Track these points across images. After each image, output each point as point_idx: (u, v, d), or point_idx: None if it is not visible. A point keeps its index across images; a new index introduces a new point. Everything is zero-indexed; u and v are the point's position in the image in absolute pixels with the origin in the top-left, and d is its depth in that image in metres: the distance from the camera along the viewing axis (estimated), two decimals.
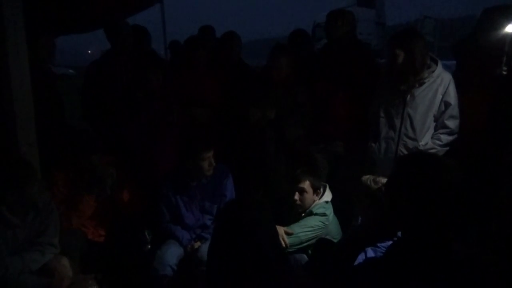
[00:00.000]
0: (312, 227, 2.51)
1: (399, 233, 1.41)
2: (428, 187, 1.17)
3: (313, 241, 2.50)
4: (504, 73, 2.62)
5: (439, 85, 2.60)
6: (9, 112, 2.32)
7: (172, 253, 2.53)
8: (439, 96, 2.60)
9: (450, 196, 1.17)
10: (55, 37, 3.71)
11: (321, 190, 2.64)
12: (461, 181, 1.19)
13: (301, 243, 2.49)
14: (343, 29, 2.98)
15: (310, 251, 2.54)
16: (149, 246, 2.65)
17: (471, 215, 2.58)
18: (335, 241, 2.49)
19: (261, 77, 3.10)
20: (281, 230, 2.44)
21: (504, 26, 2.62)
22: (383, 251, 1.69)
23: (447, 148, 2.65)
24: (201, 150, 2.56)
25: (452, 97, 2.60)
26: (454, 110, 2.61)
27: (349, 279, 1.34)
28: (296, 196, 2.56)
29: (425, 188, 1.17)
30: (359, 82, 2.93)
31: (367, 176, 2.13)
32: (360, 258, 1.87)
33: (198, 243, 2.61)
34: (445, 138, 2.63)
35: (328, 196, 2.64)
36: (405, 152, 2.65)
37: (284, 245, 2.42)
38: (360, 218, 2.32)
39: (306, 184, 2.55)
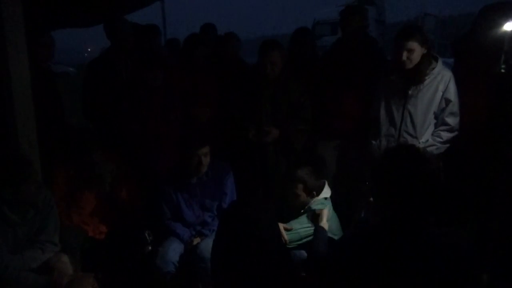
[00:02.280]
0: (311, 223, 2.53)
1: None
2: (405, 178, 1.27)
3: (313, 237, 2.51)
4: (503, 71, 2.63)
5: (440, 82, 2.60)
6: (9, 111, 2.32)
7: (174, 250, 2.54)
8: (440, 93, 2.61)
9: (426, 185, 1.27)
10: (52, 30, 3.72)
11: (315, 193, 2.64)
12: (437, 171, 1.31)
13: (301, 239, 2.51)
14: (359, 24, 2.98)
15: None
16: (150, 248, 2.66)
17: (471, 210, 2.61)
18: (335, 237, 2.51)
19: (254, 76, 3.04)
20: (280, 226, 2.45)
21: (502, 24, 2.62)
22: None
23: (448, 145, 2.65)
24: (191, 147, 2.56)
25: (452, 94, 2.61)
26: (454, 107, 2.62)
27: (335, 261, 1.40)
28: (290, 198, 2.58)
29: (402, 179, 1.28)
30: (369, 79, 2.92)
31: None
32: None
33: (198, 239, 2.62)
34: (445, 135, 2.64)
35: (327, 192, 2.65)
36: None
37: (283, 241, 2.43)
38: (363, 212, 2.34)
39: (299, 188, 2.56)
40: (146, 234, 2.66)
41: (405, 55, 2.55)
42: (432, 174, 1.28)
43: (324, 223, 2.43)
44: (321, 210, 2.50)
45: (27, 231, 2.25)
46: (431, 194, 1.27)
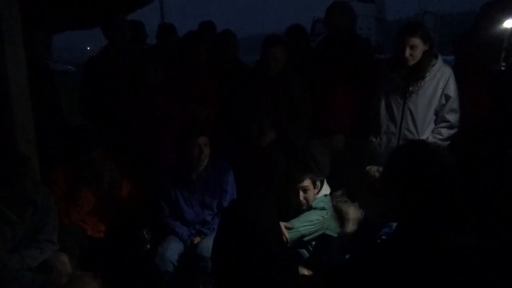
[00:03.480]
0: (311, 221, 2.52)
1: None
2: (421, 175, 1.19)
3: (314, 235, 2.51)
4: (503, 68, 2.63)
5: (440, 79, 2.60)
6: (7, 110, 2.31)
7: (173, 249, 2.52)
8: (440, 90, 2.61)
9: (444, 184, 1.18)
10: (53, 34, 3.71)
11: (319, 184, 2.65)
12: (456, 169, 1.21)
13: (302, 237, 2.50)
14: (342, 22, 2.96)
15: (310, 247, 2.55)
16: (149, 246, 2.64)
17: (471, 208, 2.61)
18: (335, 235, 2.51)
19: (256, 72, 3.03)
20: (281, 225, 2.44)
21: (502, 21, 2.62)
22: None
23: (448, 142, 2.65)
24: (191, 135, 2.55)
25: (452, 90, 2.60)
26: (454, 103, 2.61)
27: (347, 269, 1.35)
28: (301, 196, 2.56)
29: (419, 176, 1.19)
30: (357, 77, 2.90)
31: (372, 167, 2.13)
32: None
33: (198, 239, 2.61)
34: (446, 132, 2.64)
35: (326, 190, 2.65)
36: None
37: (284, 239, 2.43)
38: (362, 212, 2.33)
39: (308, 182, 2.56)
40: (145, 233, 2.65)
41: (408, 51, 2.54)
42: (448, 167, 1.19)
43: (351, 228, 2.36)
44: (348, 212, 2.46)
45: (25, 230, 2.23)
46: (448, 195, 1.19)
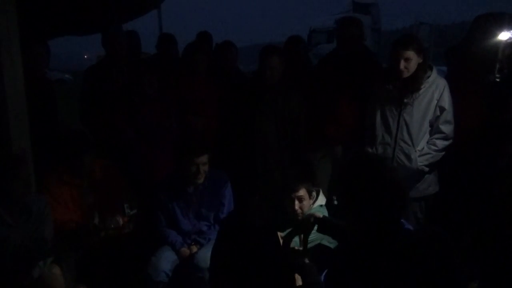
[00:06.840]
0: None
1: None
2: (368, 183, 1.29)
3: (310, 245, 2.50)
4: (497, 80, 2.66)
5: (434, 91, 2.63)
6: (3, 119, 2.32)
7: (167, 259, 2.51)
8: (434, 102, 2.63)
9: (390, 190, 1.29)
10: (50, 38, 3.71)
11: (314, 194, 2.65)
12: (396, 175, 1.35)
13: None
14: (354, 34, 3.00)
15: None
16: (131, 227, 2.55)
17: (465, 217, 2.62)
18: (332, 246, 2.50)
19: (254, 82, 3.05)
20: (277, 235, 2.44)
21: (496, 33, 2.65)
22: None
23: (443, 153, 2.67)
24: (191, 154, 2.54)
25: (447, 102, 2.63)
26: (448, 115, 2.64)
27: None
28: (297, 206, 2.55)
29: (365, 184, 1.29)
30: (363, 89, 2.92)
31: None
32: None
33: (194, 248, 2.60)
34: (441, 143, 2.65)
35: (322, 200, 2.65)
36: (402, 157, 2.68)
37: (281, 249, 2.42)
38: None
39: (303, 191, 2.55)
40: (125, 207, 2.54)
41: (402, 64, 2.56)
42: (391, 178, 1.31)
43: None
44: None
45: (19, 235, 2.21)
46: (393, 200, 1.29)
